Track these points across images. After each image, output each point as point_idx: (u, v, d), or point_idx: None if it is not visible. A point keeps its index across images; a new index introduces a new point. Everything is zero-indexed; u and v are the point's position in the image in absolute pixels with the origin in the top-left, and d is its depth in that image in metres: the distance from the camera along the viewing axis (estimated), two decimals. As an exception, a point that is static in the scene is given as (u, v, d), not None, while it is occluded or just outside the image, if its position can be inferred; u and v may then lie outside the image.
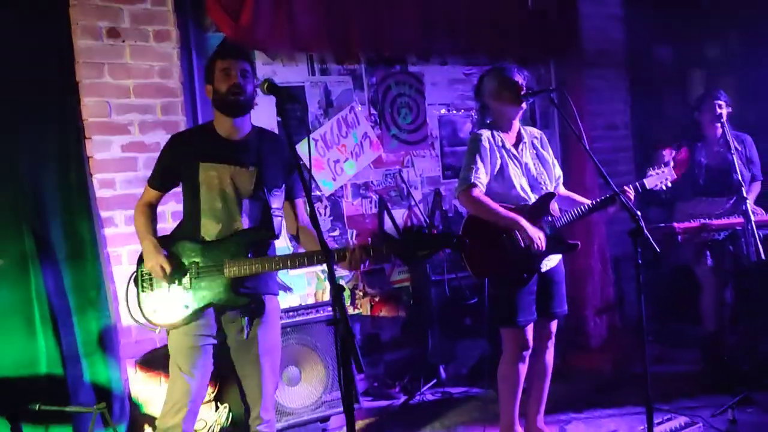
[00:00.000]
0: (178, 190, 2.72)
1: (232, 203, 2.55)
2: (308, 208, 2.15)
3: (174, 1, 3.58)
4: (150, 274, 2.57)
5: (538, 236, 2.99)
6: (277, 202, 2.63)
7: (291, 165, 2.65)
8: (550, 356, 3.31)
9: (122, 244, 3.45)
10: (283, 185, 2.65)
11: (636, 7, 5.52)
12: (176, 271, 2.54)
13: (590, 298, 4.84)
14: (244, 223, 2.57)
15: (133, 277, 2.63)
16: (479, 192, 3.03)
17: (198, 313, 2.55)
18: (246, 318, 2.57)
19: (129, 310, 2.64)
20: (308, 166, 2.31)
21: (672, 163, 3.97)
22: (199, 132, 2.72)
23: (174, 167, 2.63)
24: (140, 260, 2.62)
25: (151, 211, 2.68)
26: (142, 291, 2.59)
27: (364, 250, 2.46)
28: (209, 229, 2.56)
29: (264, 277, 2.61)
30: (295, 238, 2.81)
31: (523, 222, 2.99)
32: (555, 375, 3.43)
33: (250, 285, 2.58)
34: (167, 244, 2.60)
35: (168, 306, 2.56)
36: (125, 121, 3.47)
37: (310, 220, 2.06)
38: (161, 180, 2.68)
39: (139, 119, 3.50)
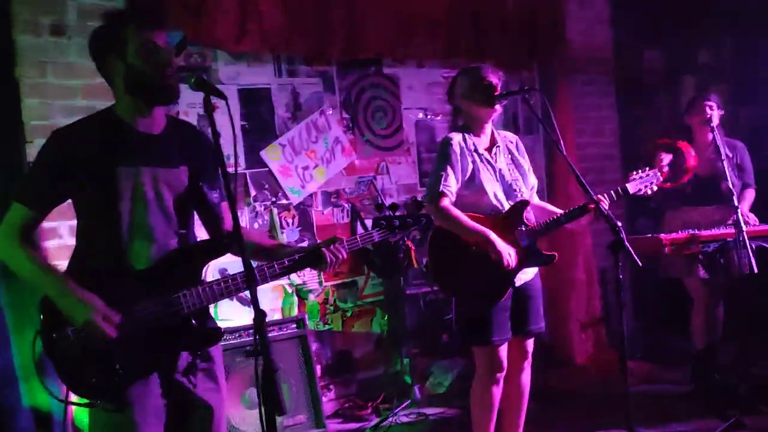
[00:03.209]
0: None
1: (167, 215, 1.99)
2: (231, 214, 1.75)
3: (126, -4, 3.36)
4: (74, 334, 1.86)
5: (508, 252, 2.75)
6: (218, 206, 2.12)
7: (218, 162, 2.08)
8: (526, 378, 3.07)
9: (66, 257, 3.19)
10: (218, 187, 2.13)
11: (624, 10, 5.34)
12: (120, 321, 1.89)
13: (575, 312, 4.62)
14: (183, 238, 2.04)
15: (41, 342, 1.89)
16: (447, 202, 2.80)
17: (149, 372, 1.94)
18: (198, 361, 2.02)
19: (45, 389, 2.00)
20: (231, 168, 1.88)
21: (669, 170, 3.76)
22: (104, 125, 1.96)
23: (70, 177, 1.90)
24: (49, 316, 1.88)
25: (33, 243, 1.95)
26: (59, 359, 1.86)
27: (339, 243, 2.08)
28: (138, 252, 1.95)
29: None
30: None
31: (492, 237, 2.76)
32: (535, 395, 3.20)
33: (207, 315, 2.05)
34: (81, 283, 1.89)
35: (101, 370, 1.87)
36: (71, 125, 3.23)
37: (234, 231, 1.73)
38: (47, 196, 1.93)
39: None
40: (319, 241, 4.12)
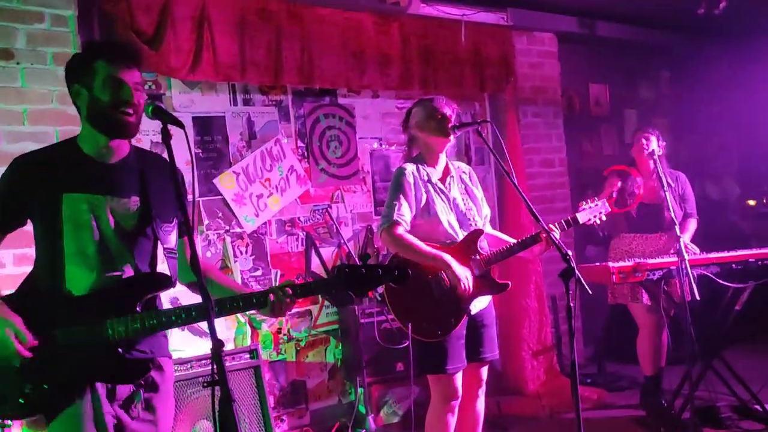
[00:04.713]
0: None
1: (111, 244, 2.00)
2: (191, 247, 1.75)
3: (78, 23, 3.31)
4: None
5: (465, 276, 2.79)
6: (170, 240, 2.10)
7: (181, 194, 2.10)
8: (480, 405, 3.09)
9: (10, 286, 3.08)
10: (175, 219, 2.12)
11: (571, 46, 5.54)
12: (40, 342, 1.89)
13: (526, 340, 4.68)
14: (127, 269, 2.02)
15: None
16: (402, 230, 2.83)
17: (75, 396, 1.92)
18: (141, 392, 2.02)
19: None
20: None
21: (617, 196, 3.90)
22: (59, 152, 2.04)
23: (22, 199, 1.98)
24: None
25: None
26: None
27: (288, 292, 2.02)
28: (78, 279, 1.96)
29: (159, 335, 2.08)
30: (190, 285, 2.23)
31: (449, 259, 2.80)
32: (488, 422, 3.23)
33: (146, 348, 2.02)
34: (15, 304, 1.93)
35: (17, 392, 1.89)
36: (17, 150, 3.10)
37: (191, 262, 1.71)
38: (6, 219, 2.02)
39: (34, 149, 3.15)
40: (272, 269, 4.10)
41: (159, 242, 2.09)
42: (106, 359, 1.94)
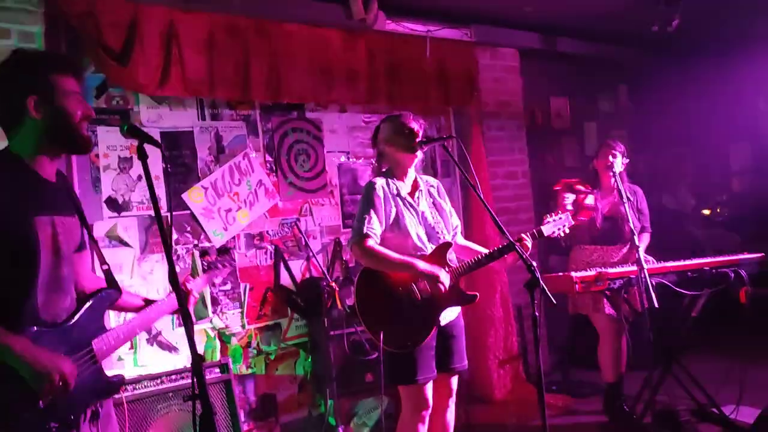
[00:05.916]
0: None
1: (70, 264, 1.96)
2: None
3: (45, 39, 3.30)
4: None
5: (439, 273, 2.86)
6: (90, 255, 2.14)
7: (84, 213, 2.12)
8: (451, 415, 3.15)
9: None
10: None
11: (532, 61, 5.68)
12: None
13: (493, 349, 4.77)
14: (86, 287, 2.07)
15: None
16: (373, 243, 2.89)
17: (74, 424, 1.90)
18: (99, 409, 2.01)
19: None
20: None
21: (572, 209, 4.01)
22: (13, 170, 1.88)
23: None
24: None
25: None
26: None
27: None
28: (57, 305, 1.90)
29: None
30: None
31: (421, 264, 2.87)
32: (458, 431, 3.27)
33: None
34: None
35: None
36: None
37: (170, 277, 1.74)
38: None
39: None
40: (241, 283, 4.12)
41: (98, 256, 2.11)
42: (98, 381, 1.96)
